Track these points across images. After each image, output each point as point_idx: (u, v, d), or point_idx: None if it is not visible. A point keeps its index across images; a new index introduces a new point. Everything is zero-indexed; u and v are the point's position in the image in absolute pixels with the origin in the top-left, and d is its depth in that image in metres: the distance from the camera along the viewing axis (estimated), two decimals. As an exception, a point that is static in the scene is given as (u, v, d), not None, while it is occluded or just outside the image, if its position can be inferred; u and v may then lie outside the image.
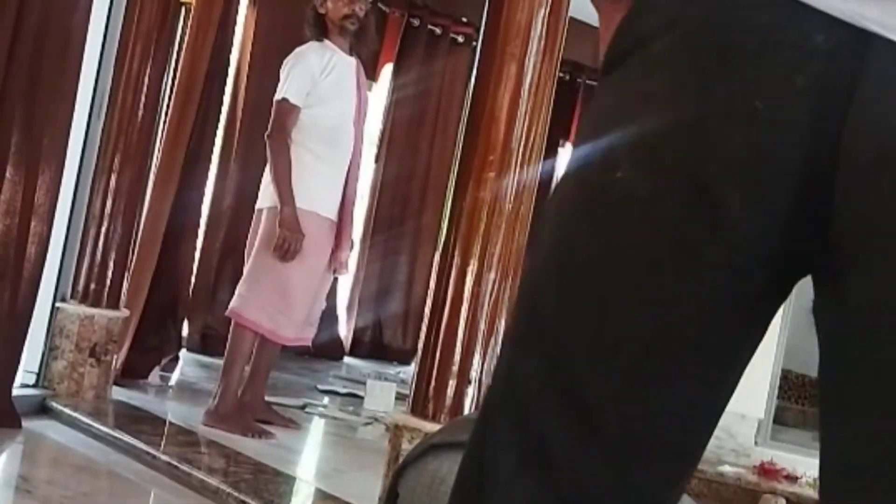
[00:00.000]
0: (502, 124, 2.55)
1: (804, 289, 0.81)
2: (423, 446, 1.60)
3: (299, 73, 3.76)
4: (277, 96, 3.80)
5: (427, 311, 2.78)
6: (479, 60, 2.70)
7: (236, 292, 3.85)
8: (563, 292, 0.76)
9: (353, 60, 3.91)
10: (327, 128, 3.80)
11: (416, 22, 6.69)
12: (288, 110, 3.76)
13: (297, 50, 3.87)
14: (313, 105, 3.77)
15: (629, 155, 0.75)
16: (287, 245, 3.65)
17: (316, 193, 3.76)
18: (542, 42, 2.57)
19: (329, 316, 6.01)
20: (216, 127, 5.13)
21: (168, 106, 4.29)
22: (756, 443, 4.11)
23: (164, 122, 4.28)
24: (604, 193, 0.76)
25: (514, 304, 0.77)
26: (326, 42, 3.85)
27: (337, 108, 3.82)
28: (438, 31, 6.77)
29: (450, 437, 1.56)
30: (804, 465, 3.95)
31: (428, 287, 2.87)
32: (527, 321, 0.80)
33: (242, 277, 3.87)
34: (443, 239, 2.72)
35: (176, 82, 4.37)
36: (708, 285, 0.73)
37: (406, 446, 2.57)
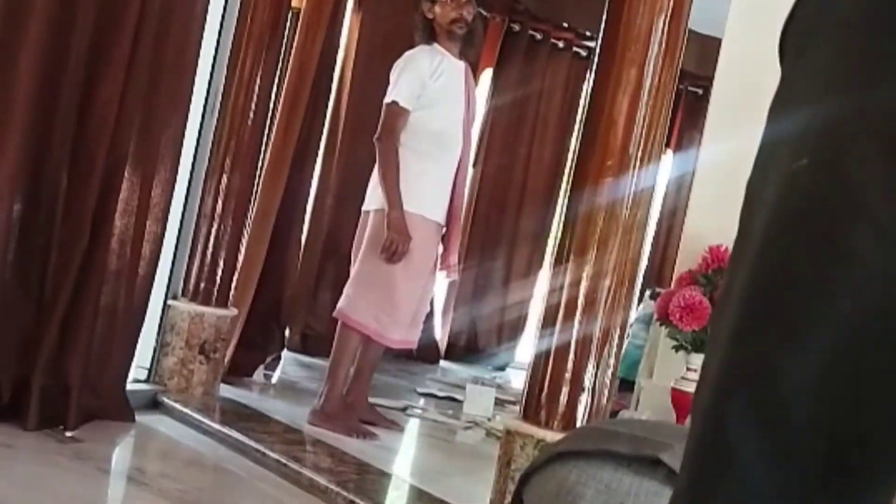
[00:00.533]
0: (620, 129, 2.53)
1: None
2: (549, 454, 1.59)
3: (409, 76, 3.78)
4: (387, 99, 3.83)
5: (540, 316, 2.76)
6: (597, 65, 2.68)
7: (343, 293, 3.89)
8: None
9: (462, 64, 3.94)
10: (436, 131, 3.82)
11: (516, 27, 6.68)
12: (398, 113, 3.78)
13: (407, 53, 3.90)
14: (423, 108, 3.80)
15: None
16: (394, 247, 3.68)
17: (424, 196, 3.78)
18: (663, 47, 2.54)
19: (426, 319, 6.05)
20: (322, 129, 5.20)
21: (277, 107, 4.36)
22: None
23: (274, 123, 4.36)
24: None
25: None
26: (436, 46, 3.87)
27: (446, 112, 3.83)
28: (539, 36, 6.76)
29: (576, 446, 1.55)
30: None
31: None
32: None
33: (349, 279, 3.91)
34: (556, 244, 2.71)
35: (285, 84, 4.45)
36: None
37: (518, 452, 2.57)
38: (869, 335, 0.64)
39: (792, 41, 0.76)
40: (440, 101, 3.80)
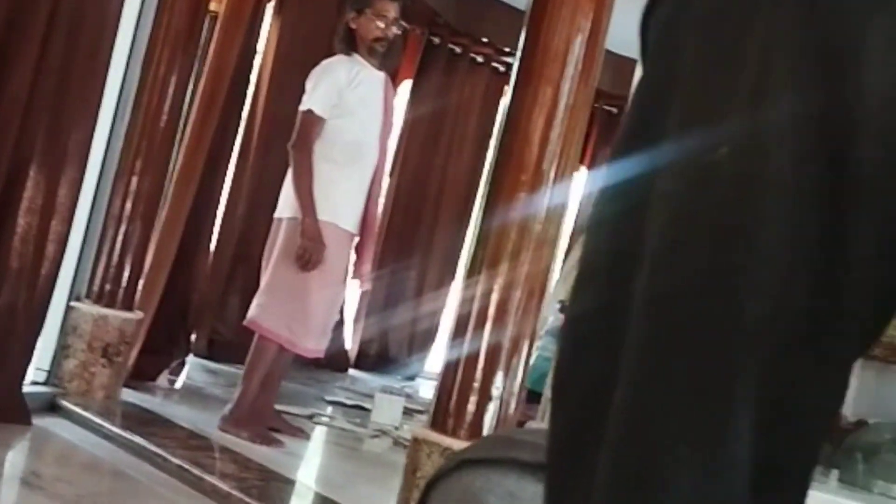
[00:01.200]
0: (535, 145, 2.57)
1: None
2: (456, 461, 1.61)
3: (326, 84, 3.75)
4: (303, 107, 3.79)
5: (451, 326, 2.78)
6: (514, 82, 2.72)
7: (254, 302, 3.85)
8: None
9: (381, 75, 3.92)
10: (351, 141, 3.79)
11: (436, 40, 6.73)
12: (313, 122, 3.75)
13: (325, 62, 3.87)
14: (338, 117, 3.77)
15: None
16: (308, 255, 3.65)
17: (337, 205, 3.77)
18: (579, 67, 2.59)
19: (336, 327, 6.02)
20: (236, 133, 5.16)
21: (192, 111, 4.31)
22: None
23: (187, 126, 4.31)
24: None
25: None
26: (356, 56, 3.84)
27: (362, 122, 3.81)
28: (458, 50, 6.81)
29: (483, 454, 1.57)
30: (813, 499, 3.94)
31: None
32: None
33: (261, 287, 3.88)
34: (470, 255, 2.73)
35: (200, 88, 4.40)
36: None
37: (424, 460, 2.58)
38: None
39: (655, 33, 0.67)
40: (357, 110, 3.78)
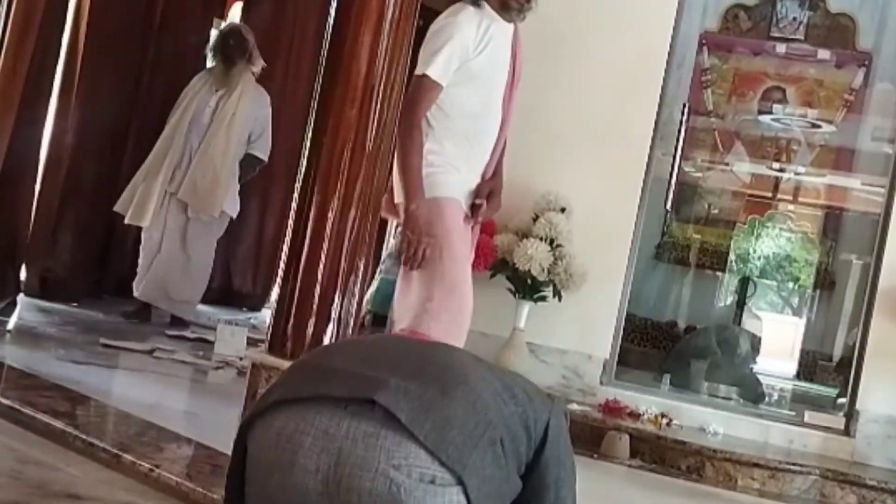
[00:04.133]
0: (363, 61, 2.53)
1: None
2: (268, 402, 1.58)
3: (451, 47, 2.97)
4: (418, 69, 3.01)
5: (285, 248, 2.75)
6: (338, -3, 2.66)
7: (406, 304, 3.02)
8: None
9: (510, 28, 3.15)
10: (471, 113, 3.09)
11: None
12: (428, 87, 2.97)
13: (449, 16, 3.03)
14: (459, 84, 3.04)
15: None
16: (413, 251, 2.87)
17: (451, 182, 3.05)
18: (405, -22, 2.55)
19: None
20: (57, 55, 4.87)
21: (4, 37, 4.05)
22: (601, 382, 4.27)
23: (1, 49, 4.04)
24: None
25: None
26: (485, 7, 3.05)
27: (488, 89, 3.11)
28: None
29: (293, 393, 1.56)
30: (646, 402, 4.14)
31: (283, 228, 2.82)
32: None
33: (413, 288, 3.01)
34: (301, 177, 2.69)
35: (12, 12, 4.12)
36: None
37: (264, 385, 2.56)
38: None
39: None
40: (481, 75, 3.08)
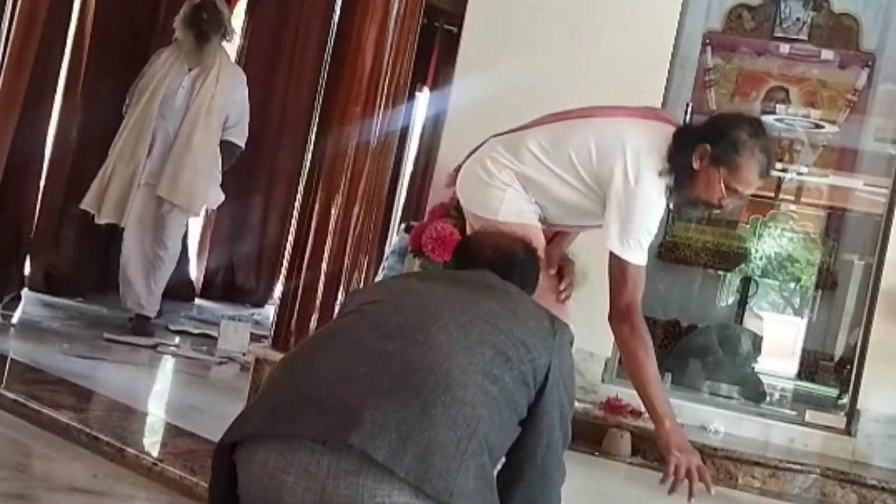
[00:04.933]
0: (369, 57, 2.54)
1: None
2: (245, 431, 1.55)
3: (651, 225, 2.59)
4: (627, 256, 2.57)
5: (289, 244, 2.76)
6: (344, -6, 2.67)
7: None
8: None
9: None
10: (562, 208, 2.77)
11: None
12: (642, 274, 2.62)
13: (644, 188, 2.56)
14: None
15: None
16: (684, 472, 2.43)
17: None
18: (410, -23, 2.56)
19: (181, 257, 5.88)
20: (62, 54, 4.88)
21: (10, 30, 4.06)
22: (603, 380, 4.27)
23: (5, 51, 4.05)
24: None
25: None
26: (665, 184, 2.60)
27: None
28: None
29: (269, 429, 1.50)
30: (647, 400, 4.14)
31: (286, 225, 2.84)
32: None
33: None
34: (306, 173, 2.70)
35: (17, 8, 4.13)
36: None
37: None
38: None
39: None
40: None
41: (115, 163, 4.73)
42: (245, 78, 5.10)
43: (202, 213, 5.36)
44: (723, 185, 2.55)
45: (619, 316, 2.57)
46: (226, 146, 4.96)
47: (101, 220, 4.78)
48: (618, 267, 2.56)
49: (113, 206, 4.73)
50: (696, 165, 2.55)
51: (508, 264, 1.85)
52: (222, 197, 5.12)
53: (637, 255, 2.53)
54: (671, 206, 2.61)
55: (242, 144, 5.08)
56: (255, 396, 1.60)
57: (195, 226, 6.48)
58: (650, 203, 2.51)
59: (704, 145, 2.53)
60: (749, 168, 2.53)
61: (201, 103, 4.78)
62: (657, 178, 2.52)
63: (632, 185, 2.49)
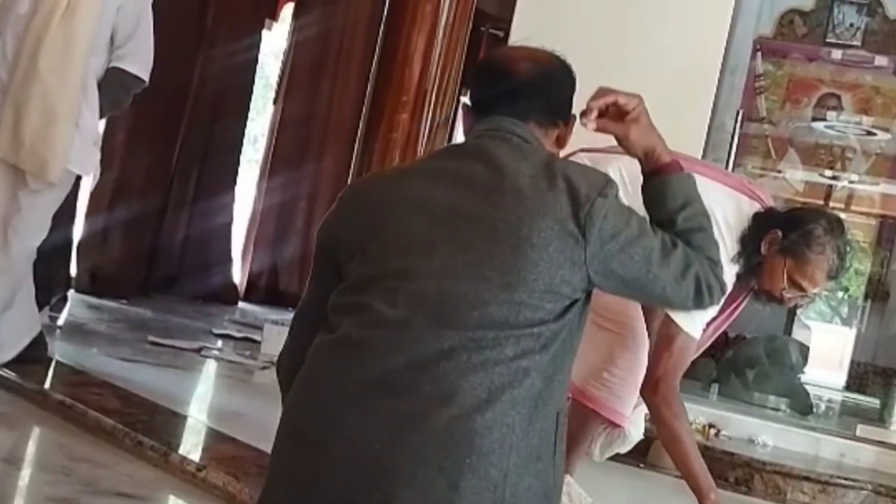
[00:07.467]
0: (416, 65, 2.52)
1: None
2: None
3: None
4: (685, 325, 2.43)
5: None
6: (391, 1, 2.66)
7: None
8: None
9: None
10: None
11: (317, -41, 6.53)
12: (692, 347, 2.49)
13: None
14: None
15: None
16: None
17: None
18: (458, -19, 2.55)
19: (224, 260, 5.92)
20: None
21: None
22: (648, 390, 4.22)
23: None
24: None
25: None
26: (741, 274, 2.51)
27: None
28: (342, -30, 6.63)
29: None
30: (694, 412, 4.07)
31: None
32: None
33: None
34: (351, 178, 2.69)
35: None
36: None
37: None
38: None
39: None
40: None
41: None
42: None
43: (83, 181, 3.61)
44: (786, 277, 2.42)
45: (651, 387, 2.43)
46: (114, 75, 3.29)
47: None
48: (667, 331, 2.40)
49: None
50: (763, 250, 2.43)
51: (548, 78, 1.59)
52: (97, 160, 3.41)
53: (693, 325, 2.39)
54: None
55: (145, 77, 3.36)
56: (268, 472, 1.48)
57: (239, 229, 6.50)
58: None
59: (777, 231, 2.41)
60: (817, 264, 2.41)
61: (53, 6, 3.10)
62: (730, 264, 2.38)
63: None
